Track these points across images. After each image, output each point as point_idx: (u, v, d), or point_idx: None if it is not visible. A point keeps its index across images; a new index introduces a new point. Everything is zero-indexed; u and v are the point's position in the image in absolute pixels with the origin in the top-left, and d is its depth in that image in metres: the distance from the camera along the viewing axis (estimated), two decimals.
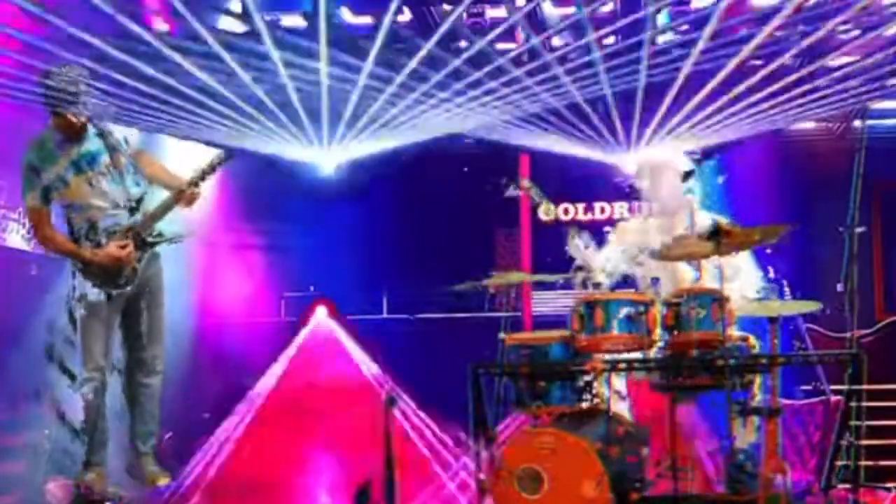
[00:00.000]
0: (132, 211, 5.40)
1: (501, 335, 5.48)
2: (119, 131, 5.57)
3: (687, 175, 6.28)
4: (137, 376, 5.49)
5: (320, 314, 8.15)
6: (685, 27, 9.19)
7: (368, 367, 7.85)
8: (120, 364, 5.59)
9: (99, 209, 5.35)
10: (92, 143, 5.41)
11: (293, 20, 9.88)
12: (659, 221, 6.28)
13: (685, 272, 6.14)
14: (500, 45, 9.69)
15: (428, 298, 9.37)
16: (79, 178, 5.34)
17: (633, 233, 6.43)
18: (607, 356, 5.35)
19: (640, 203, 10.65)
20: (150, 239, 5.40)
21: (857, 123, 12.40)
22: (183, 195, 5.38)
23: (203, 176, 5.43)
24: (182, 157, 7.20)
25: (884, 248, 12.95)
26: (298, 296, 10.18)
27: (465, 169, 13.76)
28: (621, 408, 5.64)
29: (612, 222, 7.18)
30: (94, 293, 5.29)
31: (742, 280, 6.16)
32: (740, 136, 7.69)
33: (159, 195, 5.51)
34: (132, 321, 5.47)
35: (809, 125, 13.09)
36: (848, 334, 5.84)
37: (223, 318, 8.49)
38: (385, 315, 9.92)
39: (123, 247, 5.29)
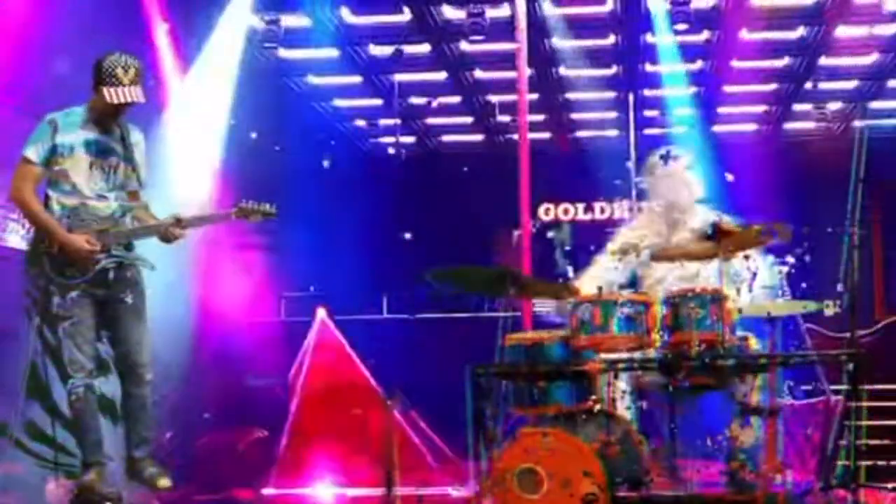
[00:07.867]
0: (115, 220, 5.38)
1: (501, 335, 5.46)
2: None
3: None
4: (125, 386, 5.44)
5: (319, 316, 8.13)
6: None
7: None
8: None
9: (82, 196, 5.31)
10: (114, 141, 5.40)
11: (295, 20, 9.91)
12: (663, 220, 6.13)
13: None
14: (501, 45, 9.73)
15: (428, 298, 9.37)
16: (83, 156, 5.31)
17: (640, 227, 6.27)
18: (607, 356, 5.34)
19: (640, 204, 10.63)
20: (115, 251, 5.35)
21: (857, 123, 12.46)
22: (169, 227, 5.37)
23: (194, 224, 5.49)
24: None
25: (884, 248, 12.99)
26: (298, 296, 10.20)
27: (465, 169, 13.82)
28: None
29: (612, 222, 7.17)
30: (69, 301, 5.27)
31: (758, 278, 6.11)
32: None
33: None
34: (114, 330, 5.43)
35: (809, 125, 13.13)
36: (848, 334, 5.83)
37: (223, 317, 8.48)
38: (385, 315, 9.92)
39: (92, 244, 5.26)
